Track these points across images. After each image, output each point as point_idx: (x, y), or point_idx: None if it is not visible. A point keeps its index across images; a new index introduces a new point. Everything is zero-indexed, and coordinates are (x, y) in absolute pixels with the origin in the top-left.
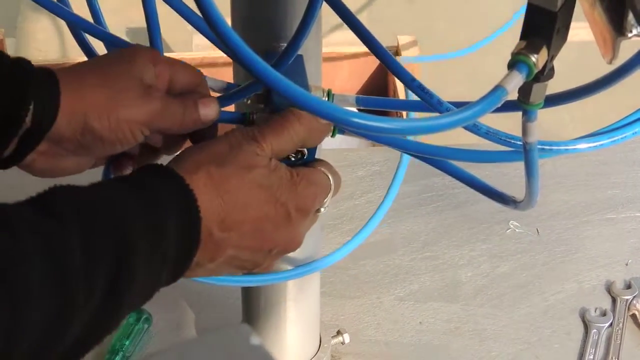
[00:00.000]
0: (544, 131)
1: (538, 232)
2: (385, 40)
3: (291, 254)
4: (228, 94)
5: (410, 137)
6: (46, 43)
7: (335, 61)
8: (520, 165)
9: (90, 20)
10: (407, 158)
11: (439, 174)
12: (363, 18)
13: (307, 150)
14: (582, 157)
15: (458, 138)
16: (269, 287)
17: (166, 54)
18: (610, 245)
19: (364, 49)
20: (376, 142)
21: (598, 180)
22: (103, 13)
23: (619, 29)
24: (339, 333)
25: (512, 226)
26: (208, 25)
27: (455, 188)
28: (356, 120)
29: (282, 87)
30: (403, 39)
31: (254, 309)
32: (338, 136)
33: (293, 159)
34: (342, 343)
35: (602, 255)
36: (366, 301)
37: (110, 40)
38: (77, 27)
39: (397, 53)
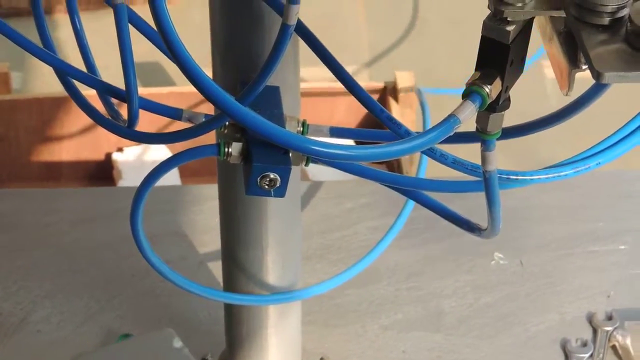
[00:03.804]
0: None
1: (522, 264)
2: (384, 76)
3: (270, 281)
4: (198, 124)
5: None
6: (52, 76)
7: (333, 96)
8: (502, 194)
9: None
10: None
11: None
12: (364, 54)
13: (280, 180)
14: (566, 189)
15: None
16: (251, 315)
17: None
18: (593, 277)
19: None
20: (346, 172)
21: (582, 213)
22: (104, 47)
23: (574, 61)
24: None
25: (496, 258)
26: (172, 58)
27: (441, 220)
28: (314, 147)
29: (241, 117)
30: (401, 75)
31: (236, 335)
32: (330, 169)
33: (267, 186)
34: None
35: (584, 287)
36: (350, 330)
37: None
38: (63, 73)
39: (395, 88)
